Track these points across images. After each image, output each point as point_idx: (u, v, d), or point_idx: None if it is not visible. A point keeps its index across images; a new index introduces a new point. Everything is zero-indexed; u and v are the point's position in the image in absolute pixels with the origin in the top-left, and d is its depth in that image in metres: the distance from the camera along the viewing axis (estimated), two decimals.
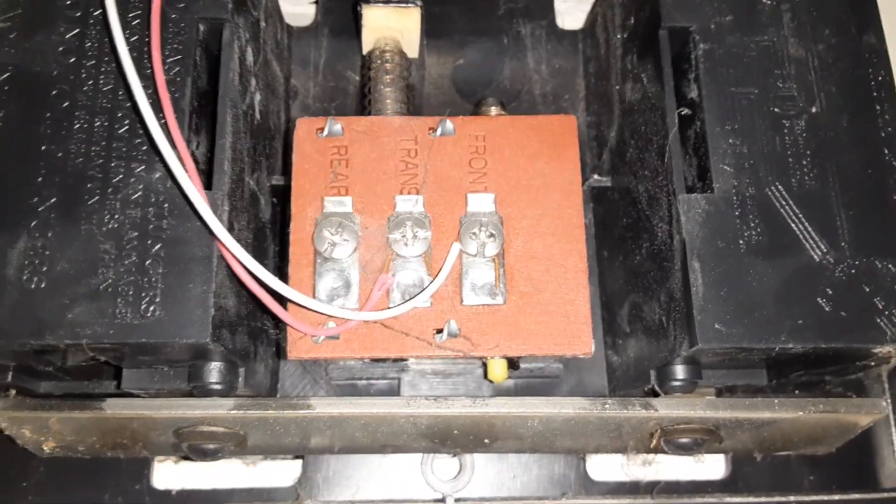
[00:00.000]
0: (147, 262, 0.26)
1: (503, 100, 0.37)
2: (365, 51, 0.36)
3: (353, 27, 0.39)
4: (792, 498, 0.36)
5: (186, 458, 0.32)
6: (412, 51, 0.37)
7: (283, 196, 0.34)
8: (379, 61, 0.35)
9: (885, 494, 0.36)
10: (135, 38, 0.29)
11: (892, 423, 0.35)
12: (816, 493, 0.36)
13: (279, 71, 0.38)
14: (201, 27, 0.29)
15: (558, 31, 0.41)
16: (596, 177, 0.36)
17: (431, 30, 0.40)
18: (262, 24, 0.34)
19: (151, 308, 0.26)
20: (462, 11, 0.41)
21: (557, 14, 0.41)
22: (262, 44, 0.34)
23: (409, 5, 0.35)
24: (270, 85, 0.35)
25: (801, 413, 0.29)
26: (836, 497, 0.36)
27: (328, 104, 0.40)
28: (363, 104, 0.36)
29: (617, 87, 0.35)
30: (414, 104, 0.38)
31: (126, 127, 0.28)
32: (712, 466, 0.35)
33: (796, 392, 0.32)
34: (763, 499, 0.35)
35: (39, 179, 0.27)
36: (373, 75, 0.35)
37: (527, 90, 0.40)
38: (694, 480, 0.35)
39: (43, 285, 0.26)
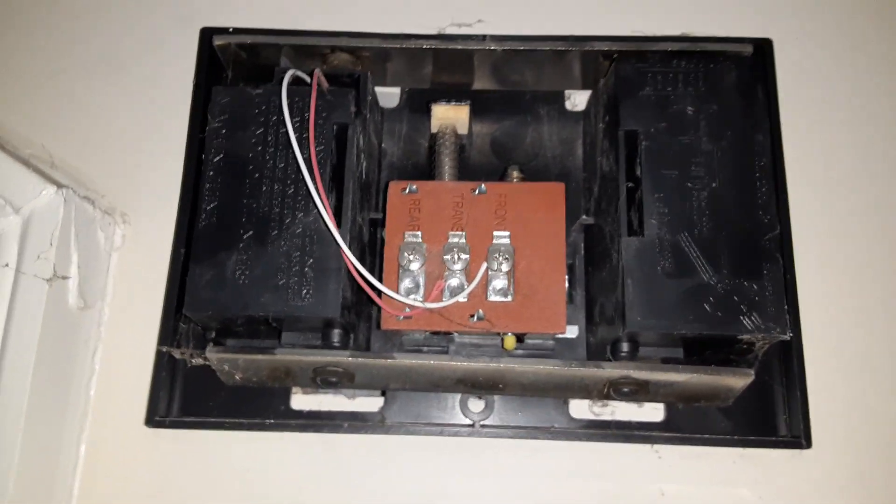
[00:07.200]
0: (305, 269, 0.46)
1: (524, 160, 0.55)
2: (432, 130, 0.55)
3: (426, 109, 0.58)
4: (712, 436, 0.52)
5: (317, 388, 0.51)
6: (463, 130, 0.55)
7: (377, 225, 0.53)
8: (441, 140, 0.54)
9: (778, 438, 0.52)
10: (296, 133, 0.48)
11: (783, 387, 0.52)
12: (730, 434, 0.52)
13: (375, 140, 0.56)
14: (335, 127, 0.48)
15: (566, 112, 0.58)
16: (584, 217, 0.54)
17: (477, 110, 0.58)
18: (368, 115, 0.53)
19: (307, 297, 0.45)
20: (498, 99, 0.59)
21: (566, 100, 0.59)
22: (367, 127, 0.53)
23: (462, 104, 0.53)
24: (371, 152, 0.54)
25: (693, 375, 0.46)
26: (745, 437, 0.52)
27: (406, 161, 0.58)
28: (430, 164, 0.55)
29: (599, 159, 0.53)
30: (464, 159, 0.56)
31: (292, 189, 0.47)
32: (654, 412, 0.52)
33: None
34: (689, 435, 0.52)
35: (243, 220, 0.47)
36: (437, 149, 0.54)
37: (542, 153, 0.58)
38: (641, 422, 0.52)
39: (247, 282, 0.45)
